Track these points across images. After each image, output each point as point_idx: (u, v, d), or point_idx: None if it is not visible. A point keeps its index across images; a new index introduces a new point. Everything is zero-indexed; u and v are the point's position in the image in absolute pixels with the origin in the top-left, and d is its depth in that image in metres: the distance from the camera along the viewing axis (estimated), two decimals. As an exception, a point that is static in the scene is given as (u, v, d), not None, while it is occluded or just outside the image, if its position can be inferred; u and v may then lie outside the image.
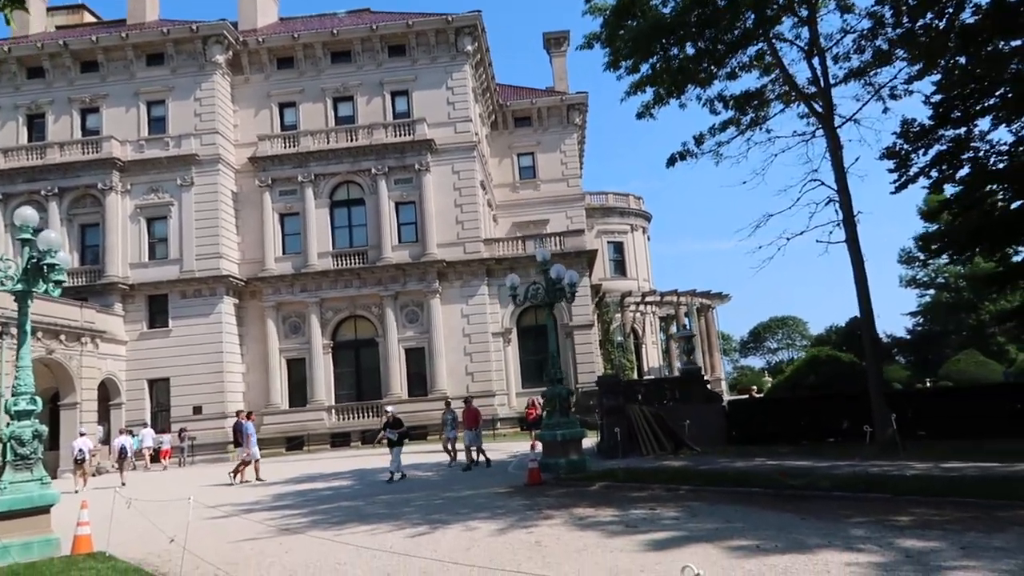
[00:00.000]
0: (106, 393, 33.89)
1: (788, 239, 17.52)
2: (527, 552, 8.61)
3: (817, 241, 17.54)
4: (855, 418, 22.31)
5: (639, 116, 19.06)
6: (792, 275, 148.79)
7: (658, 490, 12.84)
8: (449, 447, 22.35)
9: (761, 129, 20.80)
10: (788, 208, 18.15)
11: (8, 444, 10.19)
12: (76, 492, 22.86)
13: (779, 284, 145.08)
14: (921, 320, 71.03)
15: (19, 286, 10.76)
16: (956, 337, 63.57)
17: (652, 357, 54.76)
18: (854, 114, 18.09)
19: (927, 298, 70.70)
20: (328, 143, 38.56)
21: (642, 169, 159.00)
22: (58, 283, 11.19)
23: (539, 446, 23.62)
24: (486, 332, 37.63)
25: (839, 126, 17.83)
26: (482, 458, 20.78)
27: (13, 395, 10.49)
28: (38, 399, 10.77)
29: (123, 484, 23.97)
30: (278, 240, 38.32)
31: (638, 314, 53.59)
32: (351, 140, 38.57)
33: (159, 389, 35.69)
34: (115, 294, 35.56)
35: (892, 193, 20.49)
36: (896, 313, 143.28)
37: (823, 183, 17.81)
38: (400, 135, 38.52)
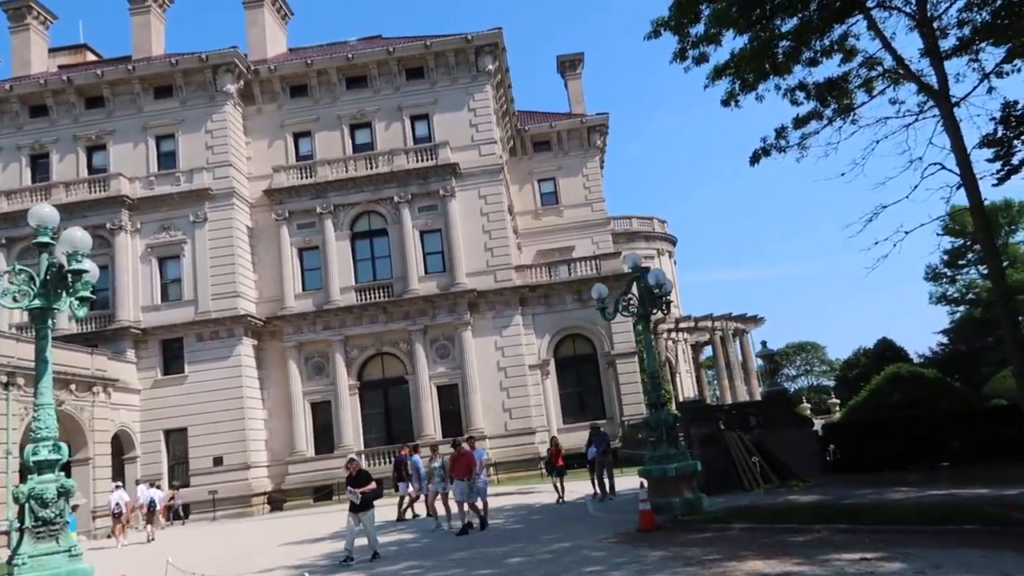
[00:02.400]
0: (119, 446, 31.30)
1: (907, 232, 15.28)
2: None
3: (937, 234, 15.21)
4: (965, 438, 20.00)
5: (724, 103, 17.07)
6: (801, 301, 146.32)
7: (825, 532, 10.37)
8: (437, 504, 17.78)
9: (847, 120, 18.72)
10: (905, 197, 15.85)
11: (27, 505, 7.79)
12: (118, 547, 21.91)
13: (788, 312, 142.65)
14: (948, 339, 68.47)
15: (37, 302, 8.47)
16: (995, 353, 60.84)
17: (687, 387, 52.16)
18: (969, 92, 15.99)
19: (959, 314, 68.22)
20: (347, 172, 36.57)
21: (663, 193, 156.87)
22: (84, 300, 8.92)
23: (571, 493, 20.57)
24: (523, 365, 35.18)
25: (956, 104, 15.72)
26: (474, 519, 16.15)
27: (33, 441, 8.12)
28: (62, 446, 8.41)
29: (151, 540, 22.51)
30: (297, 276, 36.09)
31: (670, 342, 51.16)
32: (371, 168, 36.58)
33: (176, 440, 33.08)
34: (127, 339, 33.17)
35: (994, 185, 18.30)
36: (925, 332, 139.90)
37: (943, 167, 15.65)
38: (422, 160, 36.57)
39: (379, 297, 35.53)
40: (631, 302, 14.75)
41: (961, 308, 68.31)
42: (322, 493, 32.86)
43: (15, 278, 8.52)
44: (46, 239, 8.67)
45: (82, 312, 9.18)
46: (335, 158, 36.83)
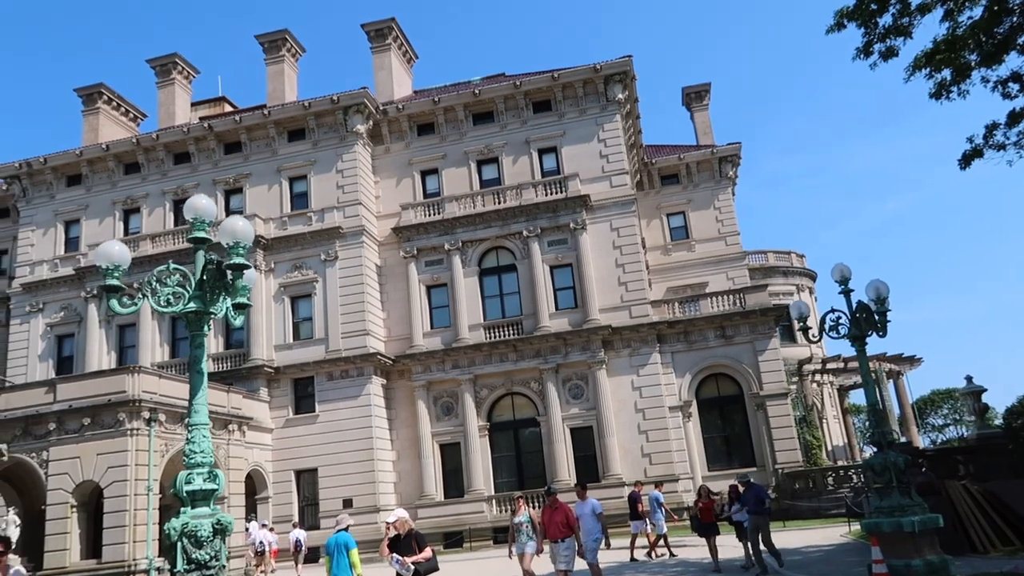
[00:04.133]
0: (251, 486, 30.94)
1: None
2: None
3: None
4: None
5: (934, 96, 14.75)
6: (948, 345, 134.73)
7: None
8: (524, 566, 13.89)
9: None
10: None
11: (179, 544, 6.45)
12: None
13: (936, 356, 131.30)
14: None
15: (192, 304, 7.29)
16: None
17: (835, 434, 47.73)
18: None
19: None
20: (474, 207, 35.76)
21: (799, 227, 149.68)
22: (241, 307, 7.71)
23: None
24: (662, 406, 32.73)
25: None
26: None
27: (186, 468, 6.84)
28: (219, 474, 7.12)
29: None
30: (425, 314, 35.29)
31: (815, 384, 47.13)
32: (499, 202, 35.62)
33: (306, 481, 32.50)
34: (260, 378, 33.15)
35: None
36: None
37: None
38: (551, 193, 35.32)
39: (508, 335, 34.15)
40: (839, 321, 12.41)
41: None
42: (453, 539, 31.27)
43: (169, 279, 7.38)
44: (202, 234, 7.54)
45: (239, 321, 8.01)
46: (462, 194, 36.15)
